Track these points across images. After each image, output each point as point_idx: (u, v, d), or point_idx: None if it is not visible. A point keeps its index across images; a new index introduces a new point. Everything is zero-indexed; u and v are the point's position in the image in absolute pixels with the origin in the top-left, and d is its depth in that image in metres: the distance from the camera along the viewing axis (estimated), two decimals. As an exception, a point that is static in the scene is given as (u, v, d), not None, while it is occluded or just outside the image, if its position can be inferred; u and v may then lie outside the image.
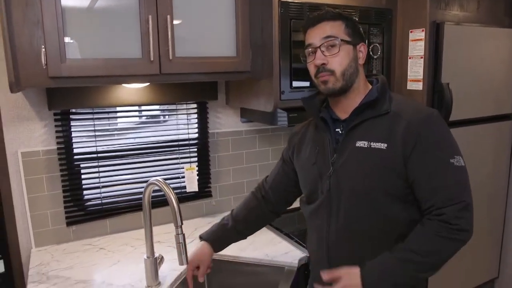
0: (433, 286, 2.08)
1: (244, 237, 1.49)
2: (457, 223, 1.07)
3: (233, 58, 1.66)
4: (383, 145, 1.13)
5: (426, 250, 1.08)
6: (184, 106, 2.02)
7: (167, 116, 2.07)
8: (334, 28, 1.18)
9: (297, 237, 1.79)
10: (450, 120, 1.88)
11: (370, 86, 1.25)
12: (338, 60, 1.17)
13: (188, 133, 2.04)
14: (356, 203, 1.17)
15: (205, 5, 1.60)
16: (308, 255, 1.64)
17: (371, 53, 1.88)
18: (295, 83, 1.71)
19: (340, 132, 1.24)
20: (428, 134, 1.11)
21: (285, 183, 1.44)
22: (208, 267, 1.42)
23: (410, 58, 1.92)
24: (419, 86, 1.88)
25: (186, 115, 2.03)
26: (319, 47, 1.18)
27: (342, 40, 1.17)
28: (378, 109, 1.17)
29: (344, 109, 1.23)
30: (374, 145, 1.15)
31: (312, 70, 1.22)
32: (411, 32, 1.90)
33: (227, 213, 2.10)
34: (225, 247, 1.47)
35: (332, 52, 1.17)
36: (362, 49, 1.22)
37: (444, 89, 1.83)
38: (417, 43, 1.88)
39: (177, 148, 2.02)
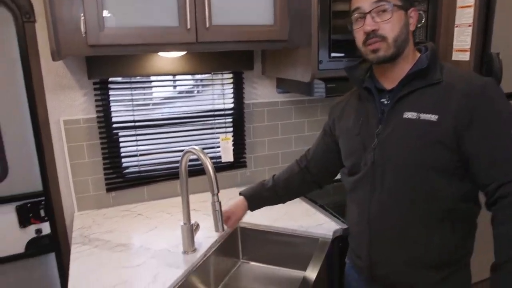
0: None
1: (282, 201, 1.51)
2: None
3: (270, 26, 1.62)
4: (433, 117, 1.06)
5: None
6: (220, 76, 2.01)
7: (202, 87, 2.07)
8: None
9: (332, 209, 1.78)
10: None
11: (419, 54, 1.18)
12: (390, 26, 1.09)
13: (224, 103, 2.03)
14: (401, 177, 1.12)
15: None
16: (344, 228, 1.63)
17: (415, 21, 1.79)
18: (334, 53, 1.65)
19: (386, 102, 1.17)
20: (485, 105, 1.04)
21: (326, 155, 1.41)
22: (238, 220, 1.48)
23: (456, 26, 1.81)
24: (465, 56, 1.78)
25: (221, 86, 2.02)
26: (369, 12, 1.10)
27: (394, 5, 1.09)
28: (429, 79, 1.10)
29: (391, 78, 1.17)
30: (424, 116, 1.08)
31: (360, 37, 1.14)
32: (456, -3, 1.79)
33: (262, 183, 2.14)
34: (260, 207, 1.51)
35: (383, 18, 1.09)
36: (413, 14, 1.15)
37: (494, 60, 1.72)
38: (465, 10, 1.76)
39: (212, 118, 2.03)
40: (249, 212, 1.78)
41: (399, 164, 1.11)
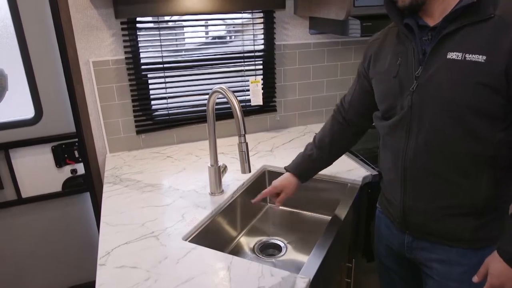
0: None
1: (330, 164, 1.42)
2: None
3: (303, -42, 1.51)
4: (481, 58, 0.95)
5: None
6: (251, 16, 1.92)
7: (233, 27, 1.99)
8: None
9: (362, 155, 1.73)
10: None
11: None
12: None
13: (254, 45, 1.96)
14: (442, 123, 1.02)
15: None
16: (373, 174, 1.58)
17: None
18: (372, -13, 1.53)
19: (428, 41, 1.05)
20: None
21: (365, 100, 1.29)
22: (288, 195, 1.39)
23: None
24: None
25: (252, 26, 1.94)
26: None
27: None
28: (479, 14, 0.96)
29: (434, 13, 1.03)
30: (470, 57, 0.97)
31: None
32: None
33: (292, 128, 2.11)
34: (312, 177, 1.42)
35: None
36: None
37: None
38: None
39: (242, 60, 1.96)
40: (277, 156, 1.76)
41: (439, 108, 1.02)
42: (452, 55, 0.99)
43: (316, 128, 2.10)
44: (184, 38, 1.90)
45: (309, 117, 2.16)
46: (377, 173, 1.60)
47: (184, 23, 1.85)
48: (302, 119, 2.15)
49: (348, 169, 1.63)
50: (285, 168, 1.44)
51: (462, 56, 0.98)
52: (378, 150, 1.28)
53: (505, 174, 1.05)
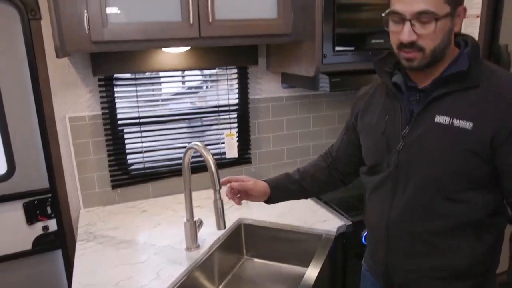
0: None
1: (306, 196, 1.41)
2: None
3: (274, 20, 1.61)
4: (468, 124, 0.96)
5: None
6: (225, 72, 2.00)
7: (207, 83, 2.06)
8: None
9: (336, 205, 1.76)
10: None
11: (457, 50, 1.04)
12: (432, 37, 0.96)
13: (229, 99, 2.02)
14: (426, 184, 1.03)
15: (245, -35, 1.54)
16: (347, 224, 1.61)
17: (421, 13, 1.76)
18: (338, 47, 1.63)
19: (416, 101, 1.06)
20: None
21: (351, 152, 1.30)
22: (251, 199, 1.33)
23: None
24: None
25: (226, 81, 2.01)
26: (410, 20, 0.95)
27: (443, 15, 0.94)
28: (468, 81, 0.98)
29: (424, 76, 1.05)
30: (457, 122, 0.97)
31: (395, 40, 1.02)
32: (467, -10, 1.75)
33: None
34: (281, 200, 1.37)
35: (425, 29, 0.95)
36: (462, 12, 1.00)
37: (502, 52, 1.69)
38: (473, 1, 1.73)
39: (217, 114, 2.02)
40: (253, 208, 1.78)
41: (425, 170, 1.03)
42: (440, 119, 1.00)
43: (291, 178, 2.14)
44: (160, 88, 1.95)
45: (283, 168, 2.17)
46: (351, 223, 1.63)
47: (161, 74, 1.90)
48: (277, 170, 2.18)
49: (323, 219, 1.66)
50: (263, 180, 1.37)
51: (449, 121, 0.99)
52: (363, 204, 1.28)
53: (490, 237, 1.05)
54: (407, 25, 0.96)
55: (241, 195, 1.32)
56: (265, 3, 1.59)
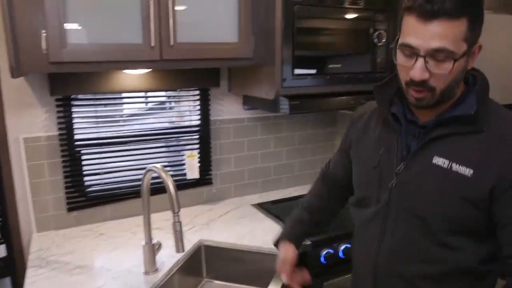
0: None
1: (324, 225, 1.40)
2: None
3: (235, 44, 1.64)
4: (468, 171, 0.90)
5: None
6: (186, 93, 2.00)
7: (168, 104, 2.06)
8: (452, 34, 0.84)
9: (297, 225, 1.78)
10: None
11: (464, 86, 0.96)
12: (446, 78, 0.88)
13: (190, 120, 2.03)
14: (417, 226, 0.97)
15: (206, -10, 1.58)
16: (306, 243, 1.63)
17: (375, 40, 1.85)
18: (297, 70, 1.68)
19: (415, 137, 0.99)
20: None
21: (348, 175, 1.21)
22: (293, 265, 1.29)
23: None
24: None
25: (188, 102, 2.02)
26: (424, 56, 0.86)
27: (460, 55, 0.85)
28: (473, 125, 0.91)
29: (427, 112, 0.97)
30: (456, 167, 0.91)
31: (403, 75, 0.92)
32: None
33: (228, 200, 2.14)
34: (304, 240, 1.39)
35: (441, 69, 0.86)
36: (476, 50, 0.91)
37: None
38: (423, 31, 1.84)
39: (178, 135, 2.01)
40: (213, 230, 1.77)
41: (417, 212, 0.97)
42: (438, 161, 0.94)
43: (252, 199, 2.16)
44: (121, 109, 1.92)
45: (245, 189, 2.21)
46: (310, 243, 1.65)
47: (122, 95, 1.88)
48: (238, 191, 2.19)
49: (283, 240, 1.67)
50: (280, 238, 1.34)
51: (448, 165, 0.92)
52: (352, 239, 1.23)
53: (479, 285, 1.00)
54: (420, 61, 0.86)
55: (296, 277, 1.30)
56: (226, 27, 1.63)
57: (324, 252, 1.67)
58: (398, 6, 1.90)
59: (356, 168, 1.16)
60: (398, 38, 0.91)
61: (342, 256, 1.71)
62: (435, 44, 0.84)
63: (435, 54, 0.85)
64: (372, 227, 1.06)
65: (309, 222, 1.32)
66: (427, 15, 0.83)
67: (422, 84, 0.88)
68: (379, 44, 1.87)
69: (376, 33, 1.85)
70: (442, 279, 0.98)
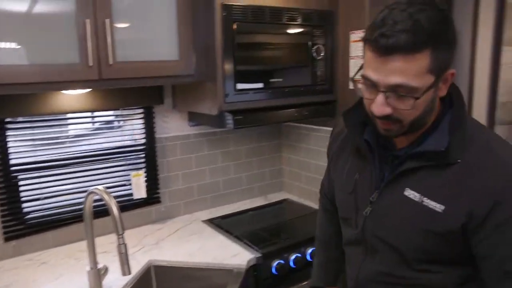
0: None
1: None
2: None
3: (176, 61, 1.64)
4: (438, 207, 0.86)
5: None
6: (130, 112, 1.97)
7: (112, 123, 2.02)
8: (413, 70, 0.78)
9: (246, 238, 1.80)
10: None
11: (439, 107, 0.91)
12: (410, 112, 0.83)
13: (135, 139, 1.99)
14: (391, 255, 0.96)
15: (146, 9, 1.57)
16: (257, 256, 1.65)
17: (314, 54, 1.93)
18: (240, 85, 1.71)
19: (389, 164, 0.96)
20: (509, 203, 0.81)
21: None
22: None
23: (351, 58, 1.97)
24: (360, 85, 1.94)
25: (132, 121, 1.99)
26: (384, 92, 0.81)
27: (425, 90, 0.81)
28: (445, 158, 0.87)
29: (401, 138, 0.93)
30: (427, 202, 0.88)
31: (368, 107, 0.89)
32: (351, 33, 1.96)
33: (178, 218, 2.11)
34: (339, 276, 1.30)
35: (403, 105, 0.82)
36: (449, 77, 0.85)
37: (384, 88, 1.90)
38: (358, 44, 1.93)
39: (123, 155, 1.97)
40: (163, 249, 1.74)
41: (391, 244, 0.96)
42: (410, 194, 0.91)
43: (202, 215, 2.15)
44: (62, 131, 1.85)
45: (194, 205, 2.20)
46: (261, 255, 1.67)
47: (61, 116, 1.81)
48: (188, 208, 2.18)
49: (233, 254, 1.68)
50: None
51: (420, 198, 0.89)
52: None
53: None
54: (380, 96, 0.82)
55: None
56: (166, 45, 1.63)
57: (275, 263, 1.70)
58: (334, 21, 1.99)
59: (335, 189, 1.13)
60: (361, 67, 0.87)
61: (293, 266, 1.74)
62: (394, 80, 0.79)
63: (396, 90, 0.80)
64: (353, 250, 1.07)
65: (332, 263, 1.29)
66: (382, 50, 0.78)
67: (386, 118, 0.85)
68: (318, 58, 1.95)
69: (315, 47, 1.93)
70: None
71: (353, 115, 0.99)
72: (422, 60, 0.78)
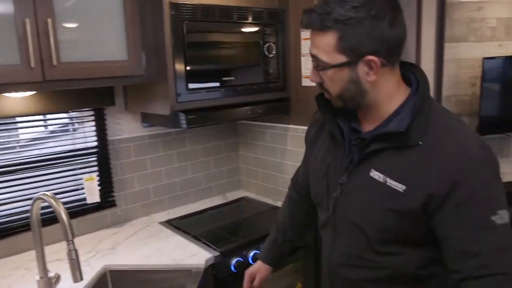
0: None
1: (301, 241, 1.47)
2: None
3: (124, 62, 1.60)
4: (400, 187, 0.92)
5: None
6: (80, 114, 1.91)
7: (63, 126, 1.95)
8: (321, 45, 0.91)
9: (204, 238, 1.79)
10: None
11: (405, 91, 0.97)
12: (330, 84, 0.94)
13: (86, 142, 1.93)
14: (358, 236, 1.01)
15: (91, 8, 1.52)
16: (215, 255, 1.65)
17: (266, 52, 1.94)
18: (192, 85, 1.70)
19: (357, 147, 1.01)
20: (467, 184, 0.86)
21: None
22: (264, 278, 1.40)
23: (303, 56, 2.01)
24: (312, 82, 1.97)
25: (82, 124, 1.93)
26: (312, 61, 0.95)
27: (332, 65, 0.91)
28: (407, 140, 0.92)
29: (369, 119, 0.99)
30: (390, 182, 0.93)
31: None
32: (302, 31, 1.99)
33: (135, 221, 2.08)
34: (285, 259, 1.45)
35: (324, 75, 0.94)
36: (372, 63, 0.90)
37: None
38: (308, 42, 1.96)
39: (75, 159, 1.91)
40: (119, 253, 1.71)
41: (356, 224, 1.01)
42: (375, 175, 0.96)
43: (160, 216, 2.12)
44: (7, 136, 1.76)
45: (151, 207, 2.17)
46: (219, 253, 1.67)
47: (1, 121, 1.73)
48: (145, 210, 2.14)
49: (191, 254, 1.67)
50: (256, 259, 1.46)
51: (383, 179, 0.95)
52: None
53: (430, 286, 1.01)
54: (312, 66, 0.96)
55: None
56: (114, 45, 1.58)
57: (234, 261, 1.70)
58: (285, 20, 2.02)
59: (311, 174, 1.19)
60: None
61: (252, 263, 1.74)
62: (312, 51, 0.94)
63: (314, 59, 0.94)
64: (326, 232, 1.12)
65: (286, 243, 1.38)
66: (302, 26, 0.95)
67: (321, 87, 0.98)
68: (270, 56, 1.97)
69: (266, 46, 1.95)
70: (386, 283, 1.01)
71: (326, 101, 1.04)
72: (329, 40, 0.89)
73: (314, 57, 0.94)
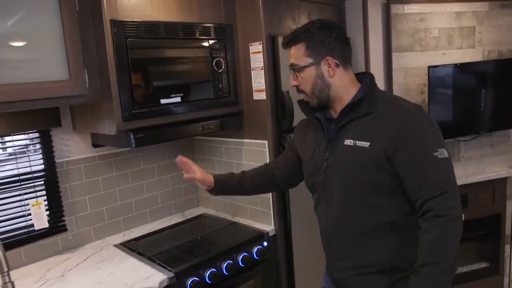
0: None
1: (246, 193, 1.71)
2: (447, 214, 1.15)
3: (66, 81, 1.56)
4: (366, 144, 1.23)
5: (440, 254, 1.15)
6: (23, 137, 1.84)
7: (5, 150, 1.87)
8: (296, 53, 1.32)
9: (159, 259, 1.75)
10: (294, 126, 2.01)
11: (359, 86, 1.34)
12: (304, 83, 1.33)
13: (31, 166, 1.86)
14: (346, 196, 1.29)
15: (28, 28, 1.48)
16: (170, 276, 1.61)
17: (215, 67, 1.94)
18: (138, 103, 1.66)
19: (333, 130, 1.34)
20: (410, 131, 1.20)
21: (289, 166, 1.58)
22: (201, 175, 1.58)
23: (253, 70, 2.02)
24: (263, 95, 1.98)
25: (27, 146, 1.86)
26: (290, 69, 1.35)
27: (303, 66, 1.30)
28: (362, 110, 1.27)
29: (337, 109, 1.35)
30: (359, 143, 1.25)
31: None
32: (250, 45, 2.00)
33: (88, 245, 2.02)
34: (224, 193, 1.68)
35: (299, 77, 1.33)
36: (329, 62, 1.29)
37: (285, 97, 1.95)
38: (257, 56, 1.98)
39: (19, 184, 1.83)
40: (69, 281, 1.64)
41: (343, 186, 1.30)
42: (347, 142, 1.28)
43: (115, 239, 2.06)
44: None
45: (106, 229, 2.10)
46: (173, 274, 1.62)
47: None
48: (99, 233, 2.07)
49: (144, 277, 1.62)
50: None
51: (353, 143, 1.27)
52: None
53: (407, 237, 1.25)
54: (291, 73, 1.36)
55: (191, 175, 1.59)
56: (54, 64, 1.54)
57: (190, 281, 1.66)
58: (233, 35, 2.02)
59: (303, 164, 1.48)
60: None
61: (209, 282, 1.72)
62: (290, 60, 1.35)
63: (293, 67, 1.34)
64: (320, 204, 1.40)
65: (238, 180, 1.62)
66: (284, 46, 1.38)
67: (299, 90, 1.37)
68: (219, 71, 1.96)
69: (215, 61, 1.94)
70: (374, 234, 1.27)
71: (306, 104, 1.40)
72: (300, 48, 1.32)
73: (291, 65, 1.34)
